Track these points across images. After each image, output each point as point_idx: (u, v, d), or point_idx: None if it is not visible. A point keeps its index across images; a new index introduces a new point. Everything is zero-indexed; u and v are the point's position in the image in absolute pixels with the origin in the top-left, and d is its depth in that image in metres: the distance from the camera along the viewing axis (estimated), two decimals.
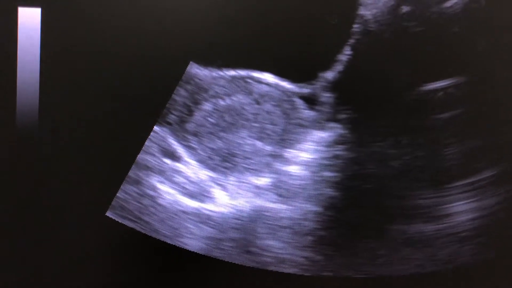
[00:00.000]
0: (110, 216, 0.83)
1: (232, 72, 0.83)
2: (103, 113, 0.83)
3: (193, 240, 0.83)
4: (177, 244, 0.82)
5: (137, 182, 0.83)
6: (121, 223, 0.83)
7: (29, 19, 0.84)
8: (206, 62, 0.83)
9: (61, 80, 0.84)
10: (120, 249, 0.83)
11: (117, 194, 0.83)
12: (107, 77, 0.83)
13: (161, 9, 0.83)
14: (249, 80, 0.83)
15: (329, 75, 0.82)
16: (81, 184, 0.83)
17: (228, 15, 0.83)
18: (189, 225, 0.83)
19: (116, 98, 0.83)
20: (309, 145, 0.83)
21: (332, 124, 0.83)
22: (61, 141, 0.83)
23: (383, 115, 0.82)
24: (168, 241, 0.83)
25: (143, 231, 0.83)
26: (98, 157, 0.83)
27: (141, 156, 0.83)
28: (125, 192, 0.83)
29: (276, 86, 0.83)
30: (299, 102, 0.83)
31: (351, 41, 0.82)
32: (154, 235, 0.83)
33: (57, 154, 0.83)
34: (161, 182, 0.83)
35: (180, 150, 0.83)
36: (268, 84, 0.83)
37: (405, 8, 0.82)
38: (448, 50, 0.82)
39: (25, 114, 0.83)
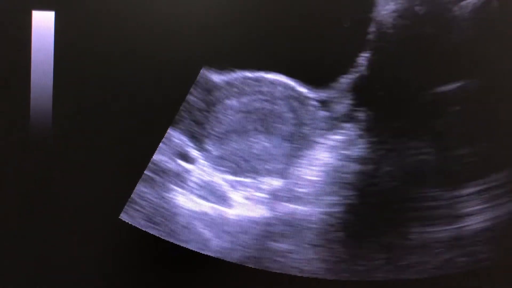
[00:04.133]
0: (124, 219, 0.83)
1: (246, 74, 0.83)
2: (117, 116, 0.83)
3: (208, 243, 0.82)
4: (191, 247, 0.82)
5: (151, 185, 0.83)
6: (134, 226, 0.83)
7: (43, 22, 0.84)
8: (219, 64, 0.83)
9: (75, 83, 0.84)
10: (134, 253, 0.83)
11: (130, 197, 0.83)
12: (120, 80, 0.83)
13: (174, 11, 0.83)
14: (263, 83, 0.83)
15: (345, 77, 0.82)
16: (94, 187, 0.83)
17: (241, 18, 0.83)
18: (203, 228, 0.82)
19: (129, 100, 0.83)
20: (325, 147, 0.83)
21: (347, 125, 0.83)
22: (74, 143, 0.83)
23: (397, 117, 0.82)
24: (183, 244, 0.82)
25: (157, 234, 0.82)
26: (112, 159, 0.83)
27: (155, 158, 0.83)
28: (139, 195, 0.83)
29: (291, 88, 0.83)
30: (315, 104, 0.83)
31: (366, 43, 0.83)
32: (168, 238, 0.82)
33: (70, 157, 0.83)
34: (175, 184, 0.83)
35: (194, 152, 0.83)
36: (282, 86, 0.83)
37: (418, 10, 0.83)
38: (462, 53, 0.82)
39: (39, 117, 0.83)
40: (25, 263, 0.83)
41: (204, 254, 0.82)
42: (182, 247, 0.82)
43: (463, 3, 0.82)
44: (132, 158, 0.83)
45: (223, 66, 0.83)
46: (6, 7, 0.84)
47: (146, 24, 0.83)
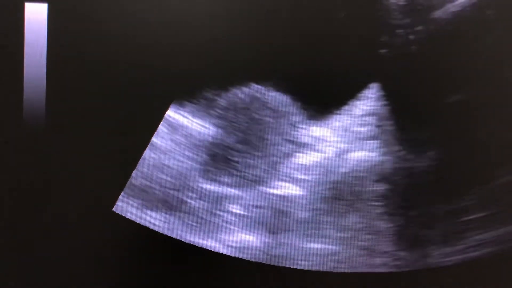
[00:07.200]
0: (117, 211, 0.84)
1: (250, 88, 0.84)
2: (110, 109, 0.83)
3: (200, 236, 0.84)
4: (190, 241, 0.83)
5: (145, 179, 0.84)
6: (127, 218, 0.84)
7: (36, 14, 0.84)
8: (221, 80, 0.84)
9: (68, 76, 0.84)
10: (127, 245, 0.84)
11: (123, 190, 0.84)
12: (114, 72, 0.83)
13: (172, 7, 0.83)
14: (266, 100, 0.84)
15: (360, 101, 0.83)
16: (87, 179, 0.84)
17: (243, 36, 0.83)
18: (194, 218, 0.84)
19: (123, 93, 0.83)
20: (332, 159, 0.84)
21: (359, 131, 0.84)
22: (68, 136, 0.84)
23: (408, 124, 0.82)
24: (178, 238, 0.83)
25: (151, 227, 0.83)
26: (105, 152, 0.84)
27: (147, 152, 0.84)
28: (132, 188, 0.84)
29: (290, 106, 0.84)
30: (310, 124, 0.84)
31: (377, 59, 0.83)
32: (162, 231, 0.83)
33: (64, 149, 0.84)
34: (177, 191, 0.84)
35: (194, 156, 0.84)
36: (284, 104, 0.83)
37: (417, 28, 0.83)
38: (471, 60, 0.82)
39: (32, 110, 0.84)
40: (19, 258, 0.84)
41: (202, 248, 0.83)
42: (179, 240, 0.83)
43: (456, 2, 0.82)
44: (125, 151, 0.84)
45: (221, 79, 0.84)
46: None
47: (140, 15, 0.83)
